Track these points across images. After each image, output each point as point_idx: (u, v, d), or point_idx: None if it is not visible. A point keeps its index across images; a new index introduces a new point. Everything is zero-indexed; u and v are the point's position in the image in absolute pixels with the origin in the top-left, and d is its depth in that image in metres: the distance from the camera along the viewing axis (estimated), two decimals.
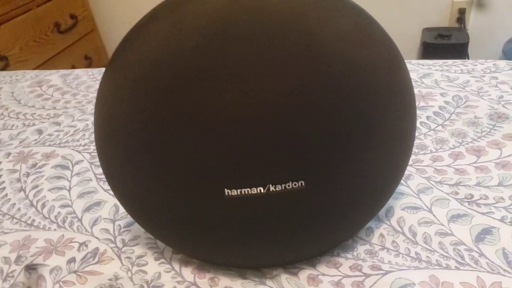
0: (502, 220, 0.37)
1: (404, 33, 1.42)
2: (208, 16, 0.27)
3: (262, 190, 0.29)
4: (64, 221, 0.42)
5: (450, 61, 0.62)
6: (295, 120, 0.27)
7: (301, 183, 0.29)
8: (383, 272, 0.34)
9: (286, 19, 0.27)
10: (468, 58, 1.35)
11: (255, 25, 0.27)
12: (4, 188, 0.48)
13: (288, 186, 0.29)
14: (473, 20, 1.36)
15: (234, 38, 0.26)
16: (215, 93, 0.27)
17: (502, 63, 0.60)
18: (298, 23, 0.27)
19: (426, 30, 1.37)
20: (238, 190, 0.28)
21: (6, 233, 0.42)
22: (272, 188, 0.29)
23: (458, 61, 0.62)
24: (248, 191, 0.28)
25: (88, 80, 0.70)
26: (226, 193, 0.29)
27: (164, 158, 0.29)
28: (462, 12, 1.33)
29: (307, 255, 0.35)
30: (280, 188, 0.29)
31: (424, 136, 0.48)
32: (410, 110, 0.33)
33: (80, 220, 0.42)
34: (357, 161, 0.30)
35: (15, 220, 0.43)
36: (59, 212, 0.44)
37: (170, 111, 0.27)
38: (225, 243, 0.32)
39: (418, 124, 0.50)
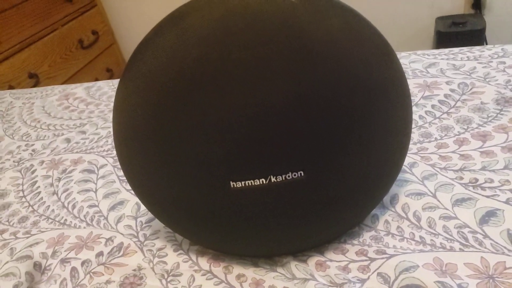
0: (507, 202, 0.37)
1: (416, 23, 1.40)
2: (208, 27, 0.30)
3: (264, 181, 0.31)
4: (92, 220, 0.46)
5: (456, 49, 0.62)
6: (291, 116, 0.30)
7: (300, 174, 0.31)
8: (388, 255, 0.35)
9: (278, 24, 0.30)
10: (486, 45, 1.32)
11: (250, 32, 0.29)
12: (39, 192, 0.53)
13: (288, 176, 0.31)
14: (490, 4, 1.32)
15: (232, 45, 0.29)
16: (218, 96, 0.30)
17: (511, 47, 0.59)
18: (290, 27, 0.30)
19: (440, 19, 1.33)
20: (242, 182, 0.31)
21: (43, 231, 0.46)
22: (273, 179, 0.31)
23: (465, 49, 0.62)
24: (251, 183, 0.31)
25: (109, 91, 0.75)
26: (232, 186, 0.31)
27: (174, 157, 0.32)
28: None
29: (315, 243, 0.37)
30: (281, 179, 0.31)
31: (429, 124, 0.49)
32: (403, 100, 0.34)
33: (106, 218, 0.46)
34: (353, 152, 0.32)
35: (50, 220, 0.48)
36: (87, 212, 0.48)
37: (178, 115, 0.31)
38: (235, 233, 0.35)
39: (423, 113, 0.51)
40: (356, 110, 0.31)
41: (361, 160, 0.33)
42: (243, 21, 0.30)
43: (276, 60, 0.29)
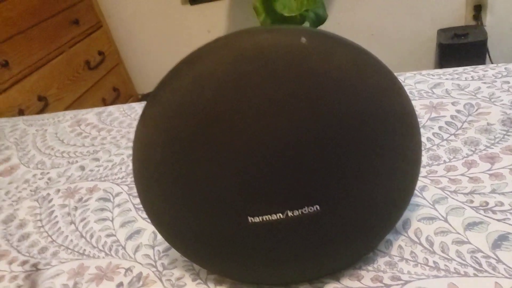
0: None
1: (418, 36, 1.41)
2: (222, 70, 0.31)
3: (281, 216, 0.32)
4: (110, 249, 0.47)
5: (460, 69, 0.63)
6: (303, 151, 0.31)
7: (316, 208, 0.32)
8: (403, 282, 0.36)
9: (289, 64, 0.31)
10: (489, 56, 1.33)
11: (262, 74, 0.31)
12: (57, 222, 0.54)
13: (305, 211, 0.32)
14: (490, 16, 1.34)
15: (245, 87, 0.31)
16: (233, 135, 0.31)
17: None
18: (300, 67, 0.31)
19: (442, 31, 1.35)
20: (260, 217, 0.32)
21: (63, 262, 0.47)
22: (290, 213, 0.32)
23: (469, 68, 0.63)
24: (268, 217, 0.32)
25: (120, 116, 0.76)
26: (250, 221, 0.33)
27: (192, 193, 0.33)
28: (478, 9, 1.31)
29: (330, 270, 0.38)
30: (297, 213, 0.32)
31: (437, 146, 0.50)
32: (413, 130, 0.35)
33: (124, 247, 0.47)
34: (367, 183, 0.33)
35: (69, 250, 0.49)
36: (105, 241, 0.49)
37: (195, 153, 0.32)
38: (252, 264, 0.36)
39: (430, 135, 0.52)
40: (368, 142, 0.32)
41: (375, 190, 0.34)
42: (255, 63, 0.31)
43: (288, 99, 0.31)
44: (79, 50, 1.44)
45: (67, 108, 1.37)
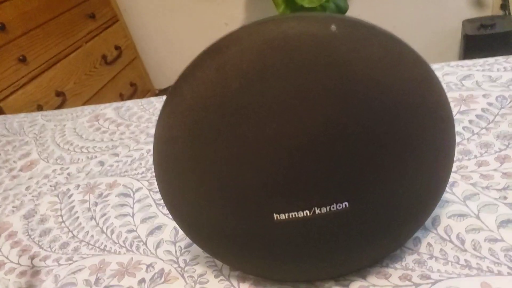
0: None
1: (442, 27, 1.37)
2: (247, 60, 0.30)
3: (308, 213, 0.31)
4: (131, 245, 0.47)
5: (491, 59, 0.60)
6: (332, 146, 0.30)
7: (345, 205, 0.31)
8: (433, 281, 0.35)
9: (317, 54, 0.30)
10: None
11: (289, 65, 0.29)
12: (78, 217, 0.54)
13: (333, 208, 0.31)
14: None
15: (271, 78, 0.29)
16: (259, 128, 0.30)
17: None
18: (329, 57, 0.30)
19: (467, 22, 1.29)
20: (286, 214, 0.31)
21: (84, 258, 0.47)
22: (317, 211, 0.31)
23: (501, 58, 0.60)
24: (295, 214, 0.31)
25: (139, 111, 0.76)
26: (275, 218, 0.32)
27: (215, 189, 0.32)
28: None
29: (357, 267, 0.37)
30: (325, 211, 0.31)
31: (468, 141, 0.48)
32: (446, 124, 0.34)
33: (145, 243, 0.47)
34: (398, 180, 0.31)
35: (90, 246, 0.49)
36: (126, 237, 0.49)
37: (219, 147, 0.31)
38: (276, 261, 0.35)
39: (460, 129, 0.50)
40: (399, 136, 0.31)
41: (405, 186, 0.32)
42: (282, 53, 0.30)
43: (316, 90, 0.29)
44: (96, 45, 1.45)
45: (85, 103, 1.38)
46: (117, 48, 1.53)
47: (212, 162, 0.31)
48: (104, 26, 1.50)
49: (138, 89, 1.64)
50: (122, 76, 1.56)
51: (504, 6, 1.25)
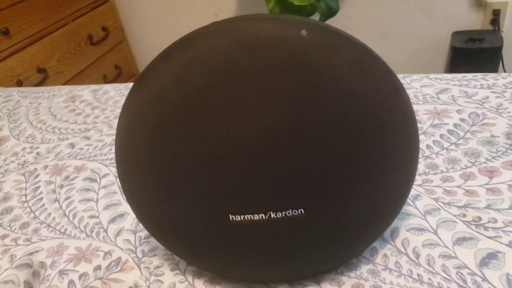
0: (509, 245, 0.37)
1: (431, 37, 1.37)
2: (215, 58, 0.29)
3: (264, 217, 0.31)
4: (92, 231, 0.46)
5: (470, 75, 0.61)
6: (292, 152, 0.29)
7: (301, 211, 0.31)
8: None
9: (287, 58, 0.29)
10: (503, 64, 1.29)
11: (258, 66, 0.29)
12: (41, 198, 0.53)
13: (288, 213, 0.31)
14: (509, 22, 1.30)
15: (238, 78, 0.29)
16: (221, 127, 0.29)
17: None
18: (298, 63, 0.29)
19: (456, 34, 1.31)
20: (241, 216, 0.31)
21: (43, 240, 0.46)
22: (273, 215, 0.31)
23: (479, 75, 0.61)
24: (250, 217, 0.31)
25: (116, 96, 0.75)
26: (231, 218, 0.31)
27: (174, 186, 0.32)
28: (497, 14, 1.27)
29: (312, 272, 0.37)
30: (281, 215, 0.31)
31: (436, 155, 0.49)
32: (410, 139, 0.34)
33: (105, 230, 0.46)
34: (357, 189, 0.31)
35: (50, 228, 0.48)
36: (87, 223, 0.48)
37: (180, 143, 0.30)
38: (232, 261, 0.35)
39: (431, 143, 0.51)
40: (361, 147, 0.31)
41: (364, 197, 0.32)
42: (250, 54, 0.29)
43: (282, 95, 0.29)
44: (83, 24, 1.41)
45: (67, 82, 1.35)
46: (104, 29, 1.50)
47: (170, 157, 0.31)
48: (92, 5, 1.46)
49: (122, 72, 1.61)
50: (107, 58, 1.53)
51: (494, 21, 1.26)
